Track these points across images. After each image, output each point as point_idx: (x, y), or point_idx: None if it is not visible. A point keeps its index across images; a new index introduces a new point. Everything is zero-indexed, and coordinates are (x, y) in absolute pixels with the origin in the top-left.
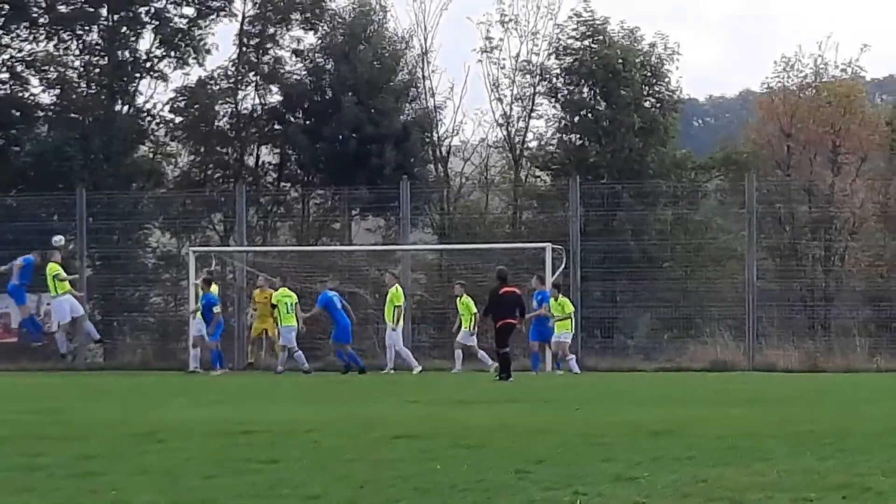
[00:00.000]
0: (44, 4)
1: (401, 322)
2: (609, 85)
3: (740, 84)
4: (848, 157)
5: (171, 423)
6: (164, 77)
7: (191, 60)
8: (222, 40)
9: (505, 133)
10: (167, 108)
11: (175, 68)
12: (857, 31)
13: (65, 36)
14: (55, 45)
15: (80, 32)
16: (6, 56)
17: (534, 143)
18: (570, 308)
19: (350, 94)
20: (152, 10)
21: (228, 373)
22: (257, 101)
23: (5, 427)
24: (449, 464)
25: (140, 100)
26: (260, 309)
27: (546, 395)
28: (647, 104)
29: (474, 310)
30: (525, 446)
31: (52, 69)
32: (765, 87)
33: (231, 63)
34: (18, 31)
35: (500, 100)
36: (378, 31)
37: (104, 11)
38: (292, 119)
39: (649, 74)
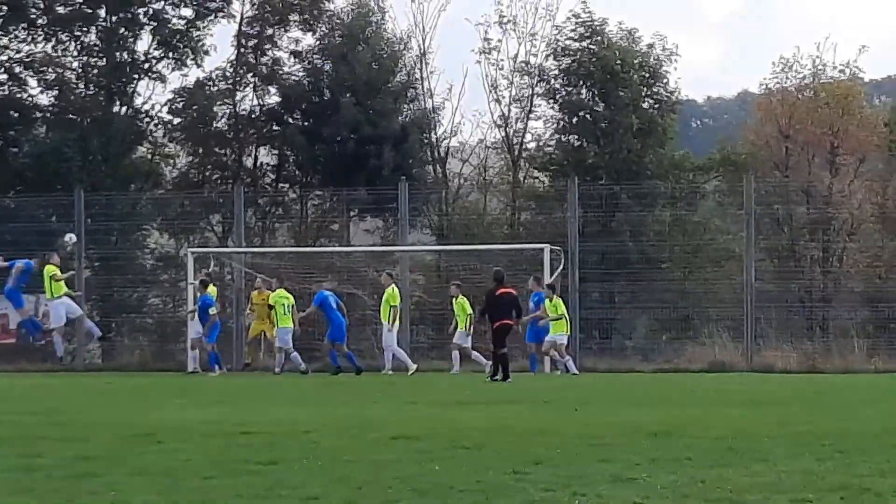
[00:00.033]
0: (42, 5)
1: (396, 322)
2: (607, 86)
3: (739, 85)
4: (846, 158)
5: (169, 424)
6: (162, 78)
7: (189, 61)
8: (220, 41)
9: (503, 134)
10: (165, 109)
11: (173, 69)
12: (855, 32)
13: (63, 37)
14: (53, 47)
15: (79, 33)
16: (4, 57)
17: (532, 145)
18: (562, 308)
19: (348, 95)
20: (150, 11)
21: (226, 374)
22: (255, 102)
23: (4, 428)
24: (447, 465)
25: (138, 101)
26: (258, 310)
27: (544, 396)
28: (645, 105)
29: (469, 310)
30: (523, 447)
31: (50, 70)
32: (763, 89)
33: (229, 64)
34: (16, 32)
35: (498, 101)
36: (376, 32)
37: (102, 12)
38: (290, 120)
39: (648, 75)
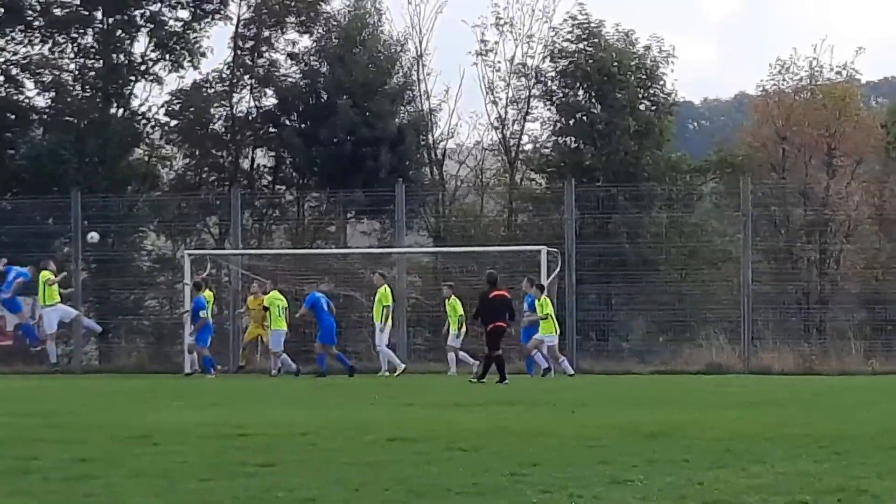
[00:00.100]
0: (38, 7)
1: (389, 322)
2: (604, 88)
3: (735, 87)
4: (843, 160)
5: (166, 426)
6: (158, 80)
7: (186, 63)
8: (217, 43)
9: (500, 136)
10: (162, 111)
11: (170, 71)
12: (852, 34)
13: (60, 39)
14: (50, 49)
15: (75, 35)
16: (1, 59)
17: (529, 146)
18: (548, 308)
19: (345, 97)
20: (147, 13)
21: (221, 376)
22: (252, 104)
23: (1, 430)
24: (445, 466)
25: (135, 103)
26: (254, 315)
27: (541, 398)
28: (642, 107)
29: (461, 311)
30: (520, 449)
31: (46, 72)
32: (760, 90)
33: (226, 66)
34: (13, 35)
35: (495, 103)
36: (373, 34)
37: (99, 14)
38: (287, 122)
39: (644, 77)
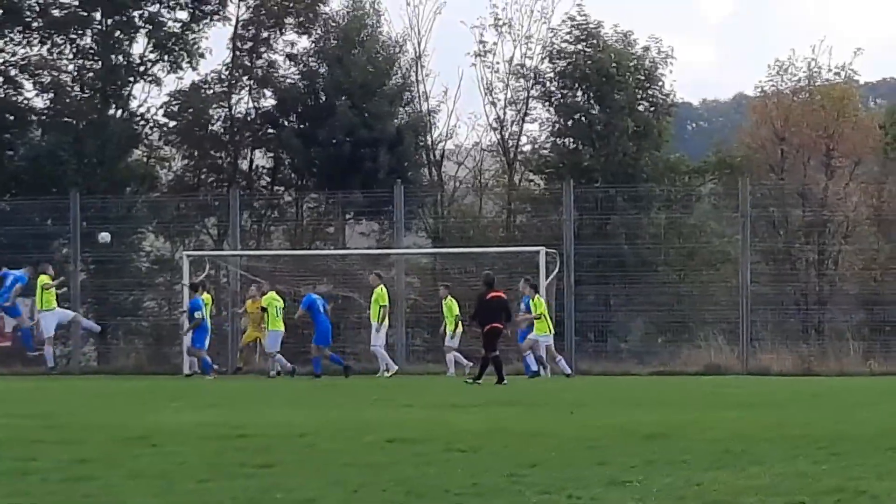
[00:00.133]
0: (37, 8)
1: (385, 322)
2: (603, 89)
3: (734, 88)
4: (841, 161)
5: (165, 427)
6: (157, 81)
7: (184, 64)
8: (216, 44)
9: (499, 137)
10: (161, 112)
11: (169, 72)
12: (850, 35)
13: (58, 40)
14: (49, 50)
15: (74, 36)
16: None
17: (527, 147)
18: (541, 308)
19: (344, 97)
20: (146, 14)
21: (218, 377)
22: (251, 104)
23: (0, 431)
24: (443, 467)
25: (134, 104)
26: (252, 318)
27: (540, 399)
28: (640, 108)
29: (456, 311)
30: (519, 450)
31: (45, 73)
32: (758, 91)
33: (225, 67)
34: (12, 36)
35: (493, 103)
36: (372, 34)
37: (98, 15)
38: (286, 123)
39: (643, 78)
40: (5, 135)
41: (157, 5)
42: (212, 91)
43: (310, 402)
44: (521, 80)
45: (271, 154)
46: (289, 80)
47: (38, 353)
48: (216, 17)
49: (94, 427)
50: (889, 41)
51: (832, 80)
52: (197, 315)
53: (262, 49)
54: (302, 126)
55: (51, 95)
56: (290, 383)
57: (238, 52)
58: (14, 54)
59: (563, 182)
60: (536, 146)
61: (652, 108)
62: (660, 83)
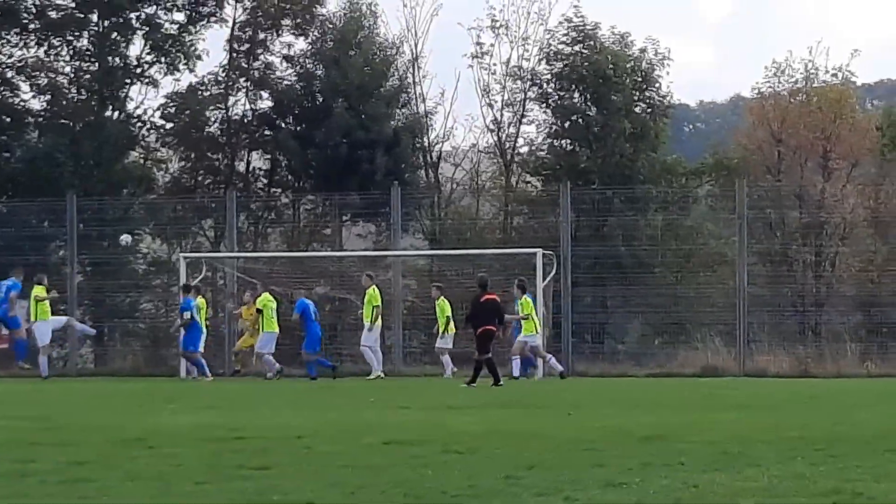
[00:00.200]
0: (34, 10)
1: (378, 322)
2: (600, 90)
3: (731, 89)
4: (838, 163)
5: (162, 429)
6: (154, 83)
7: (181, 66)
8: (213, 46)
9: (495, 138)
10: (158, 114)
11: (165, 74)
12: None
13: (55, 42)
14: (45, 51)
15: (71, 38)
16: None
17: (524, 149)
18: (529, 308)
19: (341, 99)
20: (143, 15)
21: (214, 379)
22: (248, 106)
23: None
24: (440, 469)
25: (130, 106)
26: (249, 325)
27: (537, 401)
28: (637, 109)
29: (448, 312)
30: (516, 452)
31: (42, 75)
32: (755, 93)
33: (221, 69)
34: (8, 37)
35: (490, 105)
36: (369, 36)
37: (94, 17)
38: (283, 125)
39: (640, 80)
40: (2, 137)
41: (154, 7)
42: (208, 93)
43: (307, 404)
44: (518, 82)
45: (268, 156)
46: (285, 82)
47: (28, 368)
48: (213, 18)
49: (91, 429)
50: (886, 42)
51: (829, 81)
52: (186, 315)
53: (259, 51)
54: (299, 128)
55: (47, 97)
56: (288, 385)
57: (235, 54)
58: (11, 56)
59: (560, 184)
60: (533, 148)
61: (649, 110)
62: (657, 85)
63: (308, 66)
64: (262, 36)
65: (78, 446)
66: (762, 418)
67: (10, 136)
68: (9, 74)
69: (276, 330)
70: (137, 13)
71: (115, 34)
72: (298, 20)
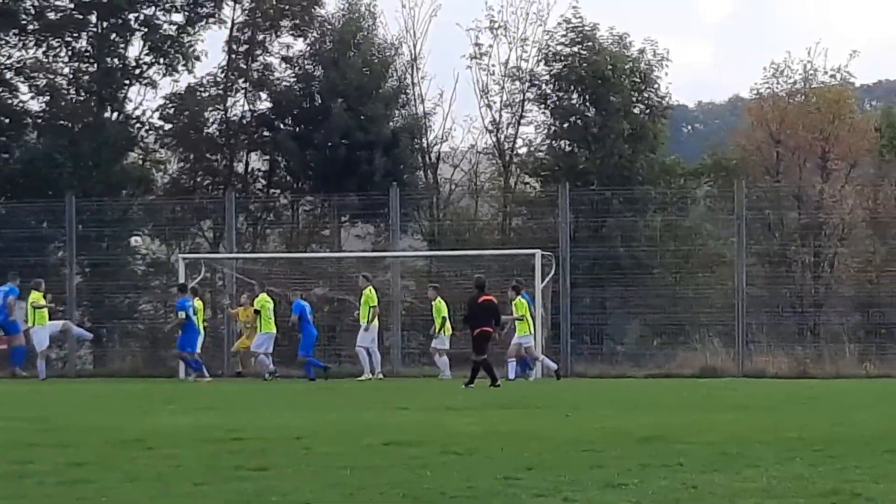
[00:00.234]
0: (33, 11)
1: (375, 322)
2: (598, 91)
3: (730, 90)
4: (837, 163)
5: (161, 430)
6: (153, 84)
7: (180, 67)
8: (211, 47)
9: (494, 139)
10: (156, 114)
11: (164, 75)
12: (848, 37)
13: (54, 43)
14: (44, 52)
15: (69, 39)
16: None
17: (523, 150)
18: (523, 309)
19: (339, 100)
20: (141, 16)
21: (212, 380)
22: (246, 107)
23: None
24: (439, 470)
25: (129, 107)
26: (247, 326)
27: (535, 402)
28: (636, 110)
29: (444, 313)
30: (515, 452)
31: (41, 76)
32: (754, 93)
33: (220, 70)
34: (7, 38)
35: (489, 106)
36: (367, 37)
37: (93, 18)
38: (282, 126)
39: (639, 80)
40: (1, 137)
41: (153, 8)
42: (207, 94)
43: (306, 405)
44: (517, 83)
45: (267, 157)
46: (284, 83)
47: (25, 376)
48: (212, 19)
49: (90, 430)
50: (885, 43)
51: (828, 82)
52: (180, 315)
53: (258, 52)
54: (298, 129)
55: (46, 98)
56: (287, 386)
57: (234, 55)
58: (9, 57)
59: (559, 185)
60: (532, 149)
61: (647, 111)
62: (655, 85)
63: (307, 66)
64: (260, 37)
65: (77, 447)
66: (761, 419)
67: (8, 137)
68: (8, 75)
69: (274, 331)
70: (136, 14)
71: (113, 35)
72: (297, 21)
